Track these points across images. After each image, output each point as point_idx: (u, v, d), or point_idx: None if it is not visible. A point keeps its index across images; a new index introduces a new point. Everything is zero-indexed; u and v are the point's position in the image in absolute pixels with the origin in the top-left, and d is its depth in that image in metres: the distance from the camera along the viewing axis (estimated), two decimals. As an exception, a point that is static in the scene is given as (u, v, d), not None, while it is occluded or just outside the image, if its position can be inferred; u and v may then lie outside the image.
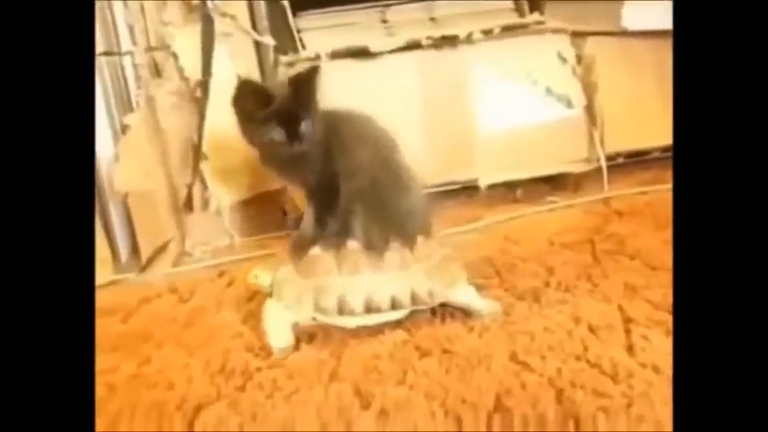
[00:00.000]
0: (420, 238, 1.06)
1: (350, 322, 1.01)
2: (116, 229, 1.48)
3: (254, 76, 1.59)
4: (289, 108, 1.06)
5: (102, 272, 1.39)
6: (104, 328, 1.15)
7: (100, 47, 1.45)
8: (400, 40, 1.55)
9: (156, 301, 1.25)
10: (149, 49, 1.48)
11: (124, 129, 1.45)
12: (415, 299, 1.01)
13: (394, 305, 1.01)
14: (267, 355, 0.98)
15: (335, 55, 1.52)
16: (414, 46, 1.56)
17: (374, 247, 1.03)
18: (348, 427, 0.80)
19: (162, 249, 1.45)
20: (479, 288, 1.08)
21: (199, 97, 1.50)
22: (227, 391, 0.90)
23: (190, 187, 1.52)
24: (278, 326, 1.01)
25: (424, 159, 1.61)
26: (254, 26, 1.56)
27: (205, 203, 1.54)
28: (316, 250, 1.03)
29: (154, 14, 1.47)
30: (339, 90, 1.55)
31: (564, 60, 1.62)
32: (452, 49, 1.59)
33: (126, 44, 1.47)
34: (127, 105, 1.49)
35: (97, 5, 1.43)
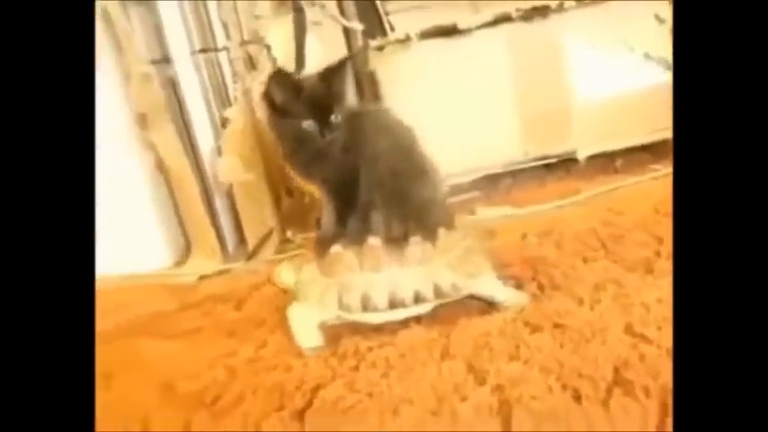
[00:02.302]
0: (442, 231, 1.04)
1: (375, 318, 1.01)
2: (222, 221, 1.53)
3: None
4: (321, 99, 1.06)
5: (212, 262, 1.45)
6: (219, 315, 1.20)
7: (196, 44, 1.50)
8: (488, 15, 1.54)
9: (264, 288, 1.29)
10: (243, 43, 1.52)
11: (224, 122, 1.50)
12: (438, 292, 1.01)
13: (418, 299, 1.00)
14: (377, 336, 1.00)
15: (425, 35, 1.52)
16: (503, 20, 1.54)
17: (395, 241, 1.02)
18: (464, 402, 0.80)
19: (266, 238, 1.50)
20: (585, 260, 1.06)
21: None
22: (342, 372, 0.92)
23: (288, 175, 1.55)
24: (305, 326, 1.02)
25: (518, 135, 1.59)
26: (342, 12, 1.58)
27: (302, 191, 1.57)
28: (337, 248, 1.03)
29: (246, 9, 1.51)
30: (430, 69, 1.56)
31: (662, 21, 1.56)
32: (543, 19, 1.56)
33: (221, 40, 1.51)
34: (225, 100, 1.53)
35: (191, 4, 1.48)
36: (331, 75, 1.08)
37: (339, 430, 0.81)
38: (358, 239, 1.03)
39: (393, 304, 1.00)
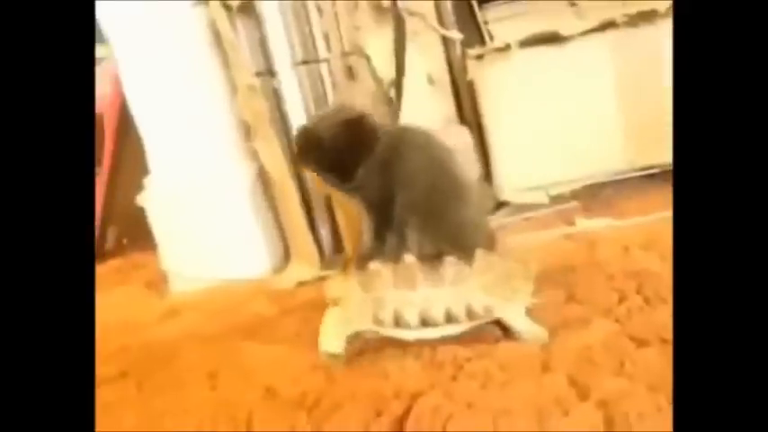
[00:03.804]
0: (479, 252, 1.02)
1: (407, 335, 1.01)
2: (321, 229, 1.56)
3: (443, 72, 1.61)
4: (341, 153, 1.08)
5: (311, 269, 1.47)
6: (317, 321, 1.21)
7: (299, 56, 1.54)
8: (592, 22, 1.50)
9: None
10: (344, 54, 1.54)
11: (324, 132, 1.52)
12: (470, 313, 0.99)
13: (449, 319, 1.00)
14: (474, 346, 0.99)
15: (525, 43, 1.50)
16: (607, 26, 1.50)
17: (430, 260, 1.02)
18: (566, 417, 0.78)
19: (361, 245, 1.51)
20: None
21: (391, 97, 1.54)
22: (440, 380, 0.92)
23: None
24: (333, 333, 1.03)
25: (621, 144, 1.55)
26: (440, 22, 1.58)
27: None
28: (376, 264, 1.04)
29: (347, 20, 1.53)
30: (531, 78, 1.54)
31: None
32: (649, 25, 1.50)
33: (322, 51, 1.55)
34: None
35: (294, 16, 1.52)
36: (353, 128, 1.09)
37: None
38: (395, 257, 1.04)
39: (425, 322, 1.00)
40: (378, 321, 1.01)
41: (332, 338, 1.03)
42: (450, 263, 1.01)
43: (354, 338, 1.03)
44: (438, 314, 1.00)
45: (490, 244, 1.06)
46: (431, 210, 1.05)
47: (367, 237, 1.15)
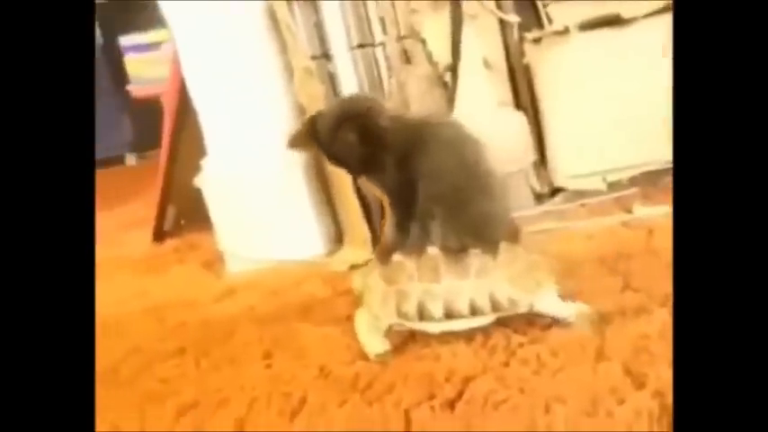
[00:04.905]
0: (503, 245, 1.01)
1: (432, 328, 1.01)
2: (374, 212, 1.56)
3: (499, 55, 1.59)
4: (338, 150, 1.09)
5: (363, 252, 1.48)
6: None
7: (354, 40, 1.54)
8: (656, 3, 1.45)
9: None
10: (400, 38, 1.54)
11: (379, 116, 1.52)
12: (495, 305, 0.99)
13: (474, 311, 0.99)
14: (528, 331, 0.99)
15: (584, 26, 1.47)
16: (670, 8, 1.45)
17: (455, 253, 1.01)
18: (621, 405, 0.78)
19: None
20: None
21: (447, 81, 1.53)
22: (492, 365, 0.92)
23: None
24: (371, 333, 1.03)
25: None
26: (498, 5, 1.56)
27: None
28: (398, 257, 1.03)
29: (403, 4, 1.53)
30: (590, 62, 1.51)
31: None
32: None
33: (378, 35, 1.55)
34: (380, 94, 1.56)
35: (350, 0, 1.52)
36: (351, 125, 1.07)
37: (490, 424, 0.80)
38: (418, 249, 1.03)
39: (450, 314, 0.99)
40: (402, 314, 1.01)
41: (371, 339, 1.03)
42: (475, 255, 1.01)
43: (389, 332, 1.03)
44: (463, 306, 0.99)
45: (514, 237, 1.05)
46: (455, 203, 1.04)
47: (389, 229, 1.14)
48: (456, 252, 1.02)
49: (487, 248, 1.01)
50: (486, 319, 1.00)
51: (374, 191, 1.15)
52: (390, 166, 1.07)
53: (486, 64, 1.58)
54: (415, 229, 1.07)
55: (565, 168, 1.58)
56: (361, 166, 1.08)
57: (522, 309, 1.00)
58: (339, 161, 1.11)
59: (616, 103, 1.51)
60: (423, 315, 1.00)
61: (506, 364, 0.92)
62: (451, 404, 0.85)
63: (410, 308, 1.00)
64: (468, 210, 1.04)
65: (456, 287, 1.00)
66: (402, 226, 1.09)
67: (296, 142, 1.15)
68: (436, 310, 1.00)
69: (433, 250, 1.02)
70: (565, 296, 1.01)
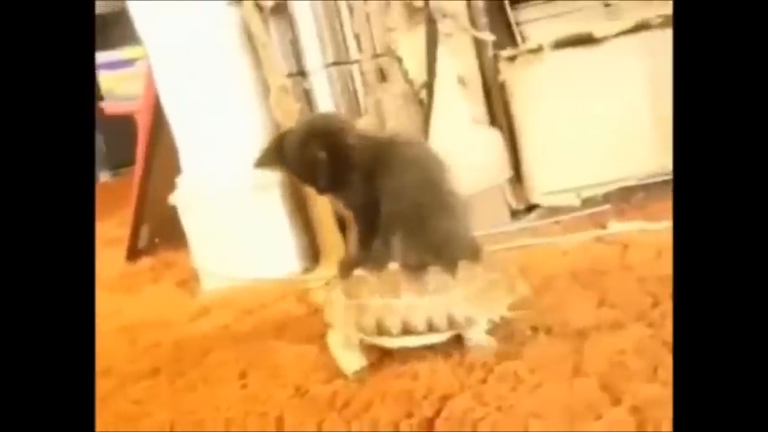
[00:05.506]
0: (463, 263, 1.02)
1: (389, 343, 1.01)
2: (350, 230, 1.56)
3: (474, 73, 1.60)
4: (301, 168, 1.09)
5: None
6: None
7: (329, 57, 1.55)
8: (627, 23, 1.48)
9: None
10: (375, 55, 1.55)
11: (355, 133, 1.52)
12: (452, 323, 0.99)
13: (431, 328, 0.99)
14: (504, 349, 0.99)
15: (558, 44, 1.49)
16: (642, 27, 1.48)
17: (415, 270, 1.02)
18: (598, 421, 0.78)
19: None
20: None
21: (422, 99, 1.54)
22: (470, 383, 0.92)
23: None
24: (345, 349, 1.03)
25: (654, 147, 1.53)
26: (473, 23, 1.57)
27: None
28: (359, 271, 1.04)
29: (378, 22, 1.53)
30: (563, 80, 1.53)
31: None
32: (685, 26, 1.48)
33: (354, 53, 1.55)
34: (356, 111, 1.56)
35: (326, 17, 1.52)
36: (315, 144, 1.06)
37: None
38: (380, 265, 1.04)
39: (407, 330, 1.00)
40: (361, 328, 1.01)
41: (346, 356, 1.02)
42: (435, 272, 1.01)
43: (363, 347, 1.03)
44: (419, 322, 1.00)
45: (475, 256, 1.06)
46: (416, 221, 1.04)
47: (352, 243, 1.14)
48: (416, 269, 1.02)
49: (447, 266, 1.02)
50: (443, 336, 1.01)
51: (339, 207, 1.16)
52: (356, 184, 1.07)
53: (462, 82, 1.59)
54: (378, 245, 1.07)
55: (540, 185, 1.60)
56: (327, 183, 1.08)
57: (479, 327, 1.00)
58: (306, 178, 1.11)
59: (590, 120, 1.53)
60: (381, 330, 1.01)
61: (484, 381, 0.92)
62: (430, 422, 0.85)
63: (369, 322, 1.01)
64: (428, 227, 1.04)
65: (415, 303, 1.00)
66: (365, 242, 1.09)
67: (263, 161, 1.15)
68: (394, 325, 1.00)
69: (393, 266, 1.03)
70: (541, 312, 1.01)
